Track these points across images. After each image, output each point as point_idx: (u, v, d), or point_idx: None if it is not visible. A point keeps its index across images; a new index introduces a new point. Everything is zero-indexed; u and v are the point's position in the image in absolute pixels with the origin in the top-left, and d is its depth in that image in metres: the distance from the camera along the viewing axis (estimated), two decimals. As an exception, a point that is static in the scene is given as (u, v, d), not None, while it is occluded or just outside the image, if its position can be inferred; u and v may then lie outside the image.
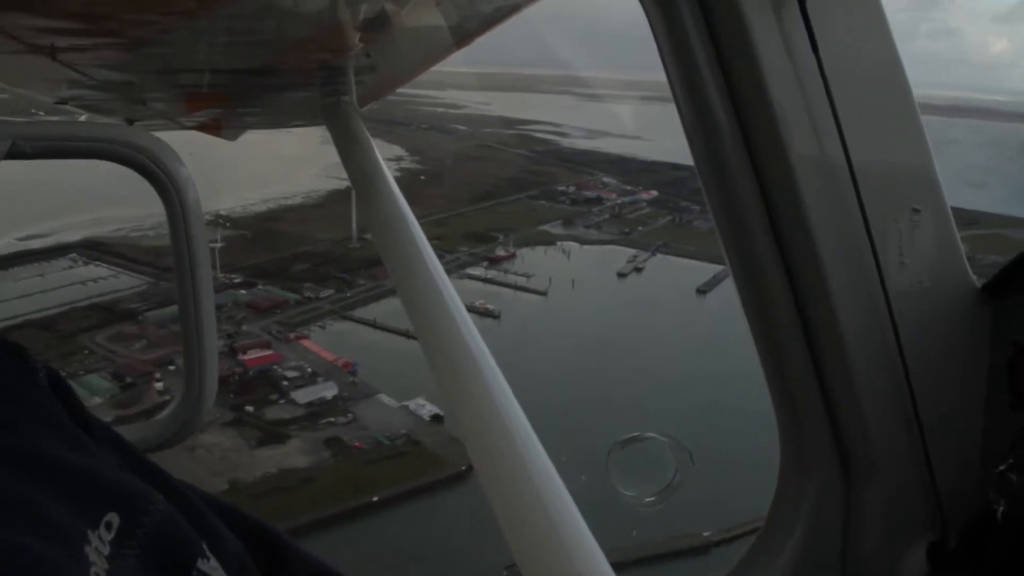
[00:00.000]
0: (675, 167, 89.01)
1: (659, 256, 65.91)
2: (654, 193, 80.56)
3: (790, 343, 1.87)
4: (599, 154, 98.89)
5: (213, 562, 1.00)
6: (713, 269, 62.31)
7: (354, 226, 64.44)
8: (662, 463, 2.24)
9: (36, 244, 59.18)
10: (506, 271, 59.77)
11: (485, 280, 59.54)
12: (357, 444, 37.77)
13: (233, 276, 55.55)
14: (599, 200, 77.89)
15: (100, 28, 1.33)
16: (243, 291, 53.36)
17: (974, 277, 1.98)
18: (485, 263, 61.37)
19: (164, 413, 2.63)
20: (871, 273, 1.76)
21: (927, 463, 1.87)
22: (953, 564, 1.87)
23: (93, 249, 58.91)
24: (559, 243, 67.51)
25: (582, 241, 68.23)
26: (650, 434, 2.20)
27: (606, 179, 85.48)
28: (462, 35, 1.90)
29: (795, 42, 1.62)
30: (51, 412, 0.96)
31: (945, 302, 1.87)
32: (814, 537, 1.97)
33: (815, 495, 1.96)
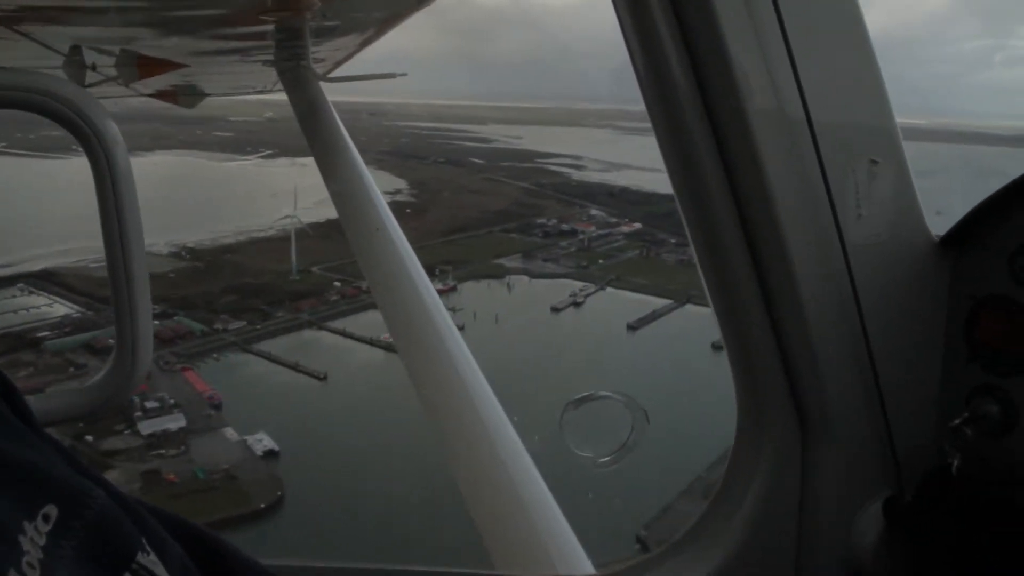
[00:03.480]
0: (673, 198, 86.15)
1: (609, 290, 63.31)
2: (637, 225, 77.88)
3: (746, 298, 1.83)
4: (603, 186, 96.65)
5: (153, 557, 1.00)
6: (657, 303, 59.63)
7: (293, 259, 64.91)
8: (617, 422, 2.24)
9: (-4, 275, 62.07)
10: (436, 305, 58.51)
11: (409, 314, 58.51)
12: (171, 477, 37.21)
13: (155, 307, 56.48)
14: (573, 233, 75.79)
15: None
16: (156, 322, 54.13)
17: (931, 230, 1.96)
18: (420, 296, 60.36)
19: (95, 378, 2.58)
20: (829, 226, 1.73)
21: (884, 418, 1.88)
22: (908, 518, 1.87)
23: (43, 279, 61.23)
24: (508, 277, 65.72)
25: (534, 275, 66.30)
26: (604, 392, 2.20)
27: (594, 211, 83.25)
28: None
29: None
30: None
31: (903, 255, 1.86)
32: (771, 494, 1.96)
33: (771, 452, 1.96)
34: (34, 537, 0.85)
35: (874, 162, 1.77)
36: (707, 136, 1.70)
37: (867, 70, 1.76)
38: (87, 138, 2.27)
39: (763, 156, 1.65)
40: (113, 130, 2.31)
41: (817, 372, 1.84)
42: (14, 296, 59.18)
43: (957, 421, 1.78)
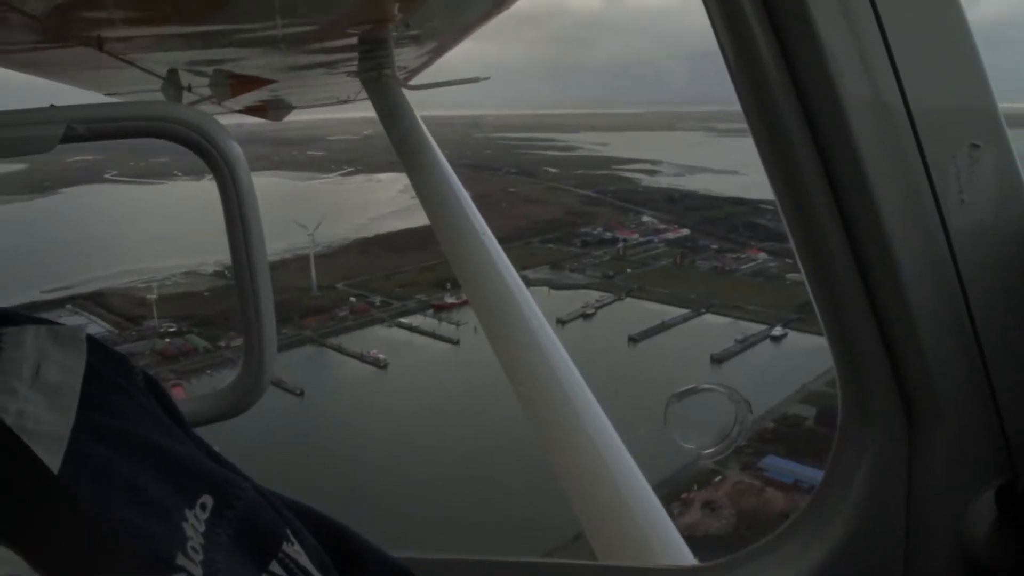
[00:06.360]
0: (737, 202, 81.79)
1: (628, 300, 60.51)
2: (684, 231, 74.32)
3: (846, 286, 1.81)
4: (667, 191, 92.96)
5: (297, 547, 1.06)
6: (672, 312, 56.53)
7: (313, 276, 65.84)
8: (721, 415, 2.26)
9: (54, 296, 66.47)
10: (441, 320, 57.91)
11: (411, 328, 58.22)
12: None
13: (171, 325, 58.81)
14: (613, 241, 73.10)
15: (142, 16, 1.62)
16: (167, 339, 56.29)
17: None
18: (430, 311, 59.97)
19: (226, 385, 2.71)
20: (930, 212, 1.70)
21: (994, 404, 1.84)
22: (1023, 506, 1.83)
23: (91, 300, 65.07)
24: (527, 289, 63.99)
25: (555, 286, 64.25)
26: (707, 385, 2.27)
27: (645, 218, 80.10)
28: None
29: None
30: (148, 407, 1.06)
31: (1008, 239, 1.81)
32: (878, 484, 1.96)
33: (877, 441, 1.94)
34: (195, 524, 0.90)
35: (975, 146, 1.70)
36: (801, 124, 1.65)
37: (965, 50, 1.69)
38: (213, 159, 2.25)
39: (859, 142, 1.62)
40: (236, 150, 2.29)
41: (922, 358, 1.80)
42: (60, 316, 63.04)
43: None
